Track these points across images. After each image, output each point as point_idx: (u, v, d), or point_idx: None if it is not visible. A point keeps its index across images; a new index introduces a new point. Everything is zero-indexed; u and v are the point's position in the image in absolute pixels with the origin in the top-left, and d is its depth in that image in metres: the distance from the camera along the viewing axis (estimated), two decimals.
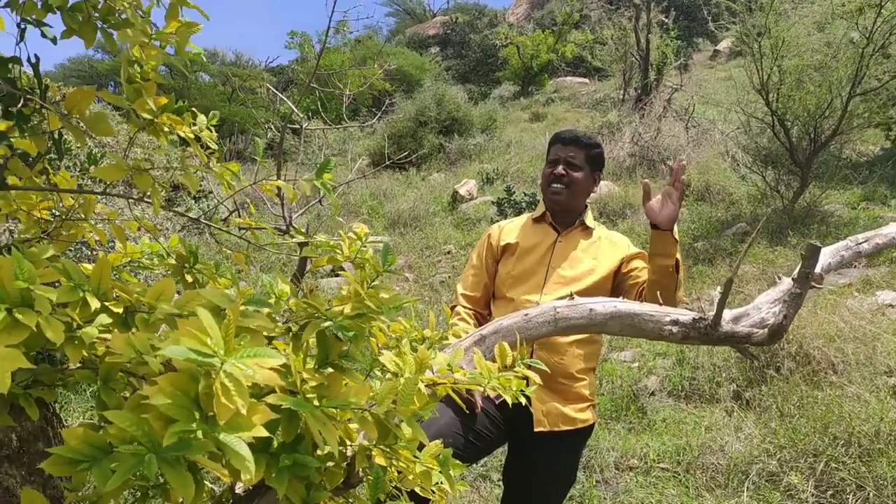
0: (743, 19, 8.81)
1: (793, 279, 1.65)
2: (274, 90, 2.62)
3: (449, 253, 9.08)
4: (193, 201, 8.50)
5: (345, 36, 22.19)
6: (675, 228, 2.21)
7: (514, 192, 10.15)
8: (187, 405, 0.72)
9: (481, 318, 2.57)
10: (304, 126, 2.49)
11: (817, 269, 1.80)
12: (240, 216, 1.52)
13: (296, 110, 2.52)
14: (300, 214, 1.71)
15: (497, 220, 8.49)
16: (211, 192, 8.42)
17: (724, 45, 22.25)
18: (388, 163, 8.21)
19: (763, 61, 8.24)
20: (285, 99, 2.47)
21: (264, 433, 0.74)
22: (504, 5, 50.26)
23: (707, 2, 20.93)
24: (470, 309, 2.59)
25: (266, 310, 0.93)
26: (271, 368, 0.77)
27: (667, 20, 16.03)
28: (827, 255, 2.04)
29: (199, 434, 0.69)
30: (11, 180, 1.19)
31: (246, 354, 0.75)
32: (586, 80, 23.11)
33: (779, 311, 1.63)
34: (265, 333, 0.97)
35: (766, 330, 1.65)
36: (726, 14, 9.57)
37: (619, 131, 12.96)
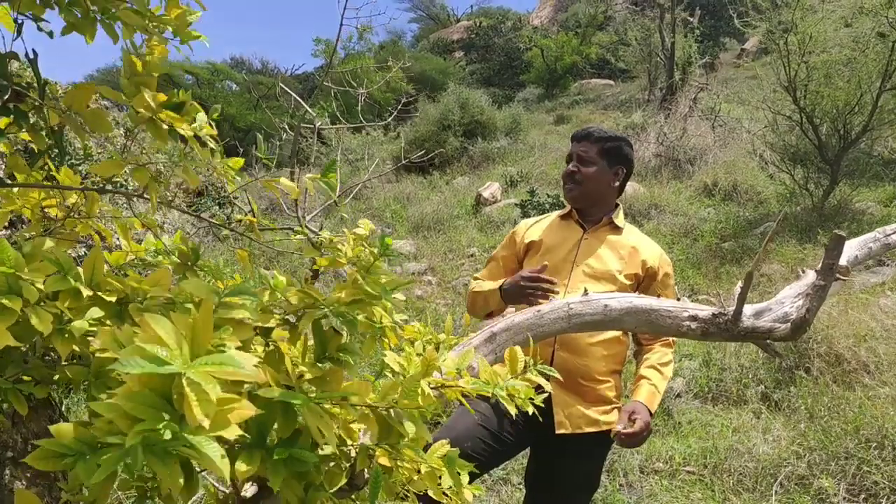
0: (769, 16, 8.67)
1: (816, 271, 1.59)
2: (287, 90, 2.61)
3: (472, 256, 9.04)
4: (218, 207, 8.56)
5: (367, 41, 22.28)
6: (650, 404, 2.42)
7: (538, 194, 10.08)
8: (157, 404, 0.68)
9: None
10: (317, 125, 2.47)
11: (844, 262, 1.73)
12: (254, 216, 1.50)
13: (309, 111, 2.51)
14: (314, 216, 1.69)
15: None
16: (237, 198, 8.48)
17: (751, 44, 21.96)
18: (406, 162, 8.19)
19: (790, 58, 8.10)
20: (299, 100, 2.46)
21: (238, 432, 0.69)
22: (528, 8, 50.18)
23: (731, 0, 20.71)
24: None
25: (252, 300, 0.90)
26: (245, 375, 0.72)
27: (692, 19, 15.88)
28: (854, 246, 1.97)
29: (168, 434, 0.65)
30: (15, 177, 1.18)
31: (209, 362, 0.69)
32: (611, 82, 23.00)
33: (801, 304, 1.57)
34: (258, 324, 0.94)
35: (788, 325, 1.59)
36: (752, 12, 9.41)
37: (644, 132, 12.83)
